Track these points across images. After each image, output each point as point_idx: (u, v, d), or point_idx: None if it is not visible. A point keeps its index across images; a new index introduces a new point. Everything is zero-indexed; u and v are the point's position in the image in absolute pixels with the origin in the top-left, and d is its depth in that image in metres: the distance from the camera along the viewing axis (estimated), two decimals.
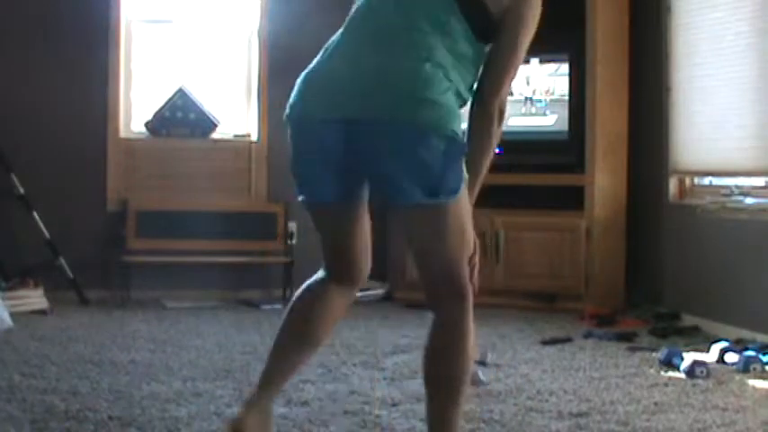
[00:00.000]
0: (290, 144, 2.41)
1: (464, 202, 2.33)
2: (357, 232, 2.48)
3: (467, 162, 2.33)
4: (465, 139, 2.33)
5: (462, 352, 2.33)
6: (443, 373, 2.35)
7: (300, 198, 2.46)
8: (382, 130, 2.26)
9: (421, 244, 2.35)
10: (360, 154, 2.30)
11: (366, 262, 2.52)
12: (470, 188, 2.37)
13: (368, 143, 2.28)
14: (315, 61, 2.41)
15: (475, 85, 2.41)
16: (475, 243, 2.39)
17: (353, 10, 2.46)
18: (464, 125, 2.34)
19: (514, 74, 2.42)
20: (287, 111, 2.40)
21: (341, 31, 2.43)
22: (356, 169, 2.35)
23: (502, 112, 2.41)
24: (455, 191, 2.28)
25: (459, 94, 2.34)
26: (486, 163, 2.41)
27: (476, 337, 2.44)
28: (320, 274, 2.54)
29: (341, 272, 2.51)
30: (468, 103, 2.41)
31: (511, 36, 2.38)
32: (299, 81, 2.41)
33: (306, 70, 2.42)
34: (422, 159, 2.23)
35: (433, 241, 2.32)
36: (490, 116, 2.38)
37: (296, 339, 2.51)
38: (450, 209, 2.29)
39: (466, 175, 2.33)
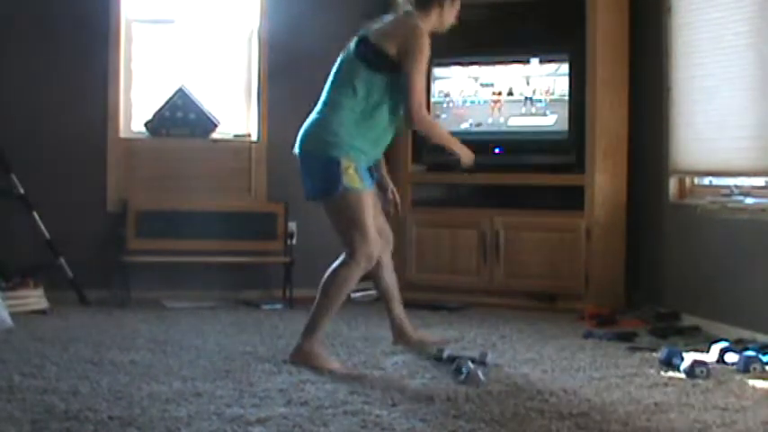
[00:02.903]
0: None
1: (348, 200, 3.80)
2: None
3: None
4: (343, 158, 3.78)
5: (334, 277, 3.86)
6: (324, 281, 3.89)
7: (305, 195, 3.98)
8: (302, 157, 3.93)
9: (329, 219, 3.95)
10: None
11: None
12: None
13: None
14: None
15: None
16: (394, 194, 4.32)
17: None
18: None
19: (418, 93, 3.78)
20: None
21: None
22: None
23: (420, 119, 3.86)
24: (330, 192, 3.79)
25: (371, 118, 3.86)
26: (436, 137, 4.07)
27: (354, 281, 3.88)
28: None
29: None
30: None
31: (406, 70, 3.79)
32: None
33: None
34: (316, 173, 3.86)
35: (331, 219, 3.93)
36: (415, 125, 3.91)
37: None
38: (330, 201, 3.84)
39: (356, 185, 3.80)
